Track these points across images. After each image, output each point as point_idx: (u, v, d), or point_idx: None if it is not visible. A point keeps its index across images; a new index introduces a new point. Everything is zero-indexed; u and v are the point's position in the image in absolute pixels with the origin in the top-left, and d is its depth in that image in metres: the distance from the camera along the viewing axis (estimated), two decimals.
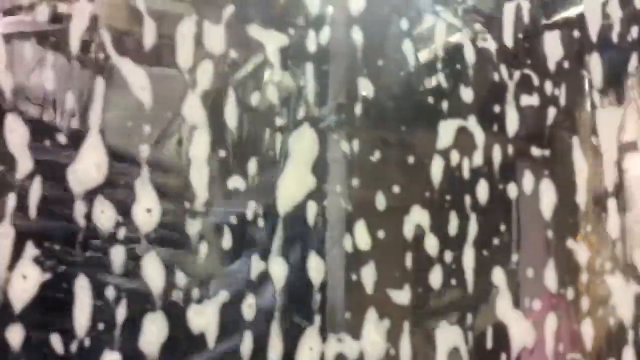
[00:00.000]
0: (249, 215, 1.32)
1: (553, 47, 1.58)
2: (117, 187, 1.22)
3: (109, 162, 1.19)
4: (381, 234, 1.41)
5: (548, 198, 1.52)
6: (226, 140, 1.30)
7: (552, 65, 1.57)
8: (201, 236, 1.26)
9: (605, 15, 1.59)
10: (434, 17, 1.50)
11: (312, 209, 1.36)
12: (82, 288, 1.19)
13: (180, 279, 1.26)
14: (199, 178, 1.27)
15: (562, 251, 1.54)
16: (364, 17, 1.41)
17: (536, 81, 1.57)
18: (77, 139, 1.19)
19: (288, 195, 1.33)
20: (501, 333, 1.46)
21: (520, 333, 1.47)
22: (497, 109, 1.52)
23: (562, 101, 1.58)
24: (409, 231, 1.43)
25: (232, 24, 1.31)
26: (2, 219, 1.14)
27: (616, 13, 1.62)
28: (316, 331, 1.33)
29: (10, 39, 1.14)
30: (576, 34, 1.59)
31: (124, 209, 1.21)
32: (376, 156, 1.45)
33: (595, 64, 1.60)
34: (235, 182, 1.31)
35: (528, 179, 1.52)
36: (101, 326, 1.20)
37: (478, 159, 1.49)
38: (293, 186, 1.34)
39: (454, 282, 1.45)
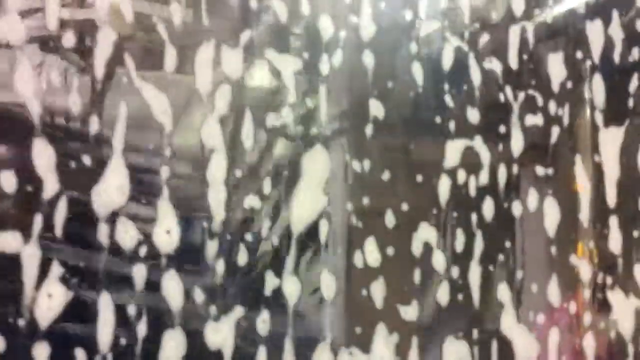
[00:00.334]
0: (264, 233, 1.36)
1: (556, 67, 1.63)
2: (139, 208, 1.26)
3: (131, 183, 1.24)
4: (390, 251, 1.45)
5: (551, 215, 1.57)
6: (243, 160, 1.34)
7: (555, 86, 1.63)
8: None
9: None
10: (441, 39, 1.54)
11: (324, 227, 1.40)
12: (105, 305, 1.23)
13: (198, 295, 1.30)
14: (216, 199, 1.31)
15: (564, 266, 1.60)
16: (374, 41, 1.46)
17: (540, 101, 1.62)
18: (100, 161, 1.23)
19: (301, 214, 1.38)
20: (506, 347, 1.51)
21: (525, 347, 1.52)
22: (502, 128, 1.57)
23: (565, 120, 1.63)
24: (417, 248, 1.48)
25: (249, 48, 1.35)
26: (29, 240, 1.19)
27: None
28: (327, 346, 1.38)
29: (40, 65, 1.19)
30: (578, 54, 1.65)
31: (146, 229, 1.26)
32: (385, 174, 1.49)
33: (597, 84, 1.65)
34: (251, 201, 1.35)
35: (532, 197, 1.57)
36: (123, 341, 1.24)
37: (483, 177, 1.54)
38: (306, 206, 1.38)
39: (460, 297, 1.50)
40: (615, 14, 1.68)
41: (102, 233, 1.23)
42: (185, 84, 1.31)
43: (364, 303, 1.43)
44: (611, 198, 1.66)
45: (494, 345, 1.51)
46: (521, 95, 1.59)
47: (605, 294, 1.63)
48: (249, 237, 1.33)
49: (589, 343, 1.59)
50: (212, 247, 1.30)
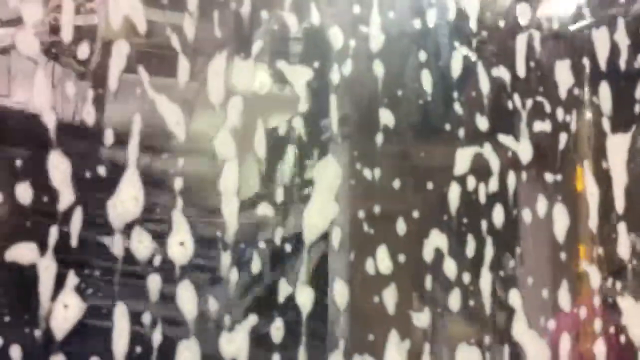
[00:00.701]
0: (277, 241, 1.37)
1: (563, 74, 1.64)
2: (153, 219, 1.27)
3: (146, 195, 1.25)
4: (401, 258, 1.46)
5: (561, 221, 1.58)
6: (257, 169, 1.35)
7: (562, 93, 1.64)
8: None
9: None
10: (450, 48, 1.55)
11: (336, 235, 1.41)
12: (121, 315, 1.24)
13: (212, 305, 1.30)
14: (229, 209, 1.32)
15: (574, 272, 1.61)
16: (384, 50, 1.47)
17: (548, 108, 1.63)
18: (115, 172, 1.24)
19: (313, 223, 1.39)
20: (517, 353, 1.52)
21: (536, 352, 1.53)
22: (510, 135, 1.58)
23: (573, 127, 1.64)
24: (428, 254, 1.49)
25: (261, 59, 1.37)
26: (45, 252, 1.19)
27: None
28: (341, 354, 1.39)
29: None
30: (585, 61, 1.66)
31: (160, 239, 1.27)
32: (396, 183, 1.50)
33: (604, 91, 1.66)
34: (264, 209, 1.36)
35: (541, 203, 1.58)
36: (138, 351, 1.25)
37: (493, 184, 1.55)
38: (318, 215, 1.39)
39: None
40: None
41: (117, 243, 1.24)
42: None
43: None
44: (619, 204, 1.67)
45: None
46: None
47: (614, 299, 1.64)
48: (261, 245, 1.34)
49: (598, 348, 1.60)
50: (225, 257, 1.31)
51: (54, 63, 1.26)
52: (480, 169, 1.54)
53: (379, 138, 1.47)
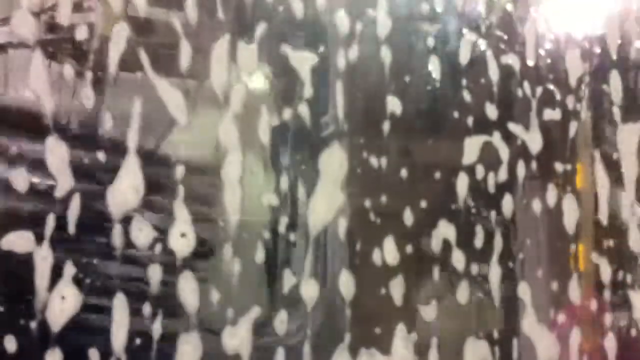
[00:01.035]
0: (281, 231, 1.33)
1: (574, 63, 1.60)
2: (153, 208, 1.23)
3: (146, 184, 1.21)
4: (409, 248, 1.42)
5: (571, 212, 1.54)
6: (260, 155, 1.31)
7: (573, 81, 1.60)
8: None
9: None
10: (459, 34, 1.51)
11: (342, 225, 1.37)
12: (120, 306, 1.20)
13: (214, 296, 1.27)
14: (232, 198, 1.28)
15: (585, 265, 1.57)
16: (391, 36, 1.43)
17: (558, 96, 1.59)
18: (115, 159, 1.20)
19: (318, 214, 1.35)
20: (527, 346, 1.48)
21: (545, 346, 1.49)
22: (520, 124, 1.54)
23: (584, 116, 1.60)
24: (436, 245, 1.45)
25: (265, 43, 1.32)
26: (41, 241, 1.15)
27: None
28: (346, 347, 1.35)
29: (52, 58, 1.16)
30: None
31: (161, 228, 1.23)
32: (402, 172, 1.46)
33: (615, 80, 1.63)
34: (269, 198, 1.32)
35: (551, 194, 1.54)
36: (138, 343, 1.21)
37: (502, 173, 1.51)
38: (323, 205, 1.35)
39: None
40: None
41: (117, 233, 1.20)
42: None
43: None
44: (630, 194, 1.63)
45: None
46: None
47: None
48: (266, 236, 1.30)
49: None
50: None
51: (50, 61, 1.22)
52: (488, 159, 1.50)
53: (386, 126, 1.43)
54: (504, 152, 1.51)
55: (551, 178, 1.56)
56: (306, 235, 1.34)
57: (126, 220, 1.20)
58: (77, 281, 1.18)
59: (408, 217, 1.41)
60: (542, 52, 1.58)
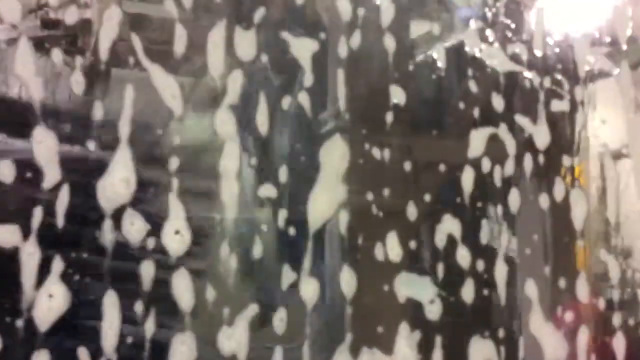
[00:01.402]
0: (280, 224, 1.27)
1: (582, 53, 1.55)
2: (146, 201, 1.17)
3: (138, 176, 1.15)
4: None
5: (579, 208, 1.49)
6: (257, 147, 1.26)
7: (581, 72, 1.55)
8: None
9: None
10: (464, 24, 1.46)
11: (343, 219, 1.32)
12: (111, 304, 1.15)
13: (210, 294, 1.21)
14: (229, 190, 1.22)
15: (593, 261, 1.52)
16: (394, 23, 1.37)
17: (566, 87, 1.54)
18: (106, 150, 1.15)
19: (319, 208, 1.29)
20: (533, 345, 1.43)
21: (552, 345, 1.44)
22: (527, 116, 1.49)
23: (592, 109, 1.55)
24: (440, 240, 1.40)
25: (263, 30, 1.27)
26: (28, 237, 1.10)
27: None
28: (347, 346, 1.30)
29: (41, 45, 1.10)
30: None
31: (154, 222, 1.17)
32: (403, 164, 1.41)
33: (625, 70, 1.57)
34: (267, 191, 1.27)
35: (559, 188, 1.49)
36: (129, 342, 1.16)
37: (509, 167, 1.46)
38: (324, 198, 1.30)
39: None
40: None
41: (107, 227, 1.14)
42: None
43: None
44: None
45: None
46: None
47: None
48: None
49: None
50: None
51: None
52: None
53: (389, 117, 1.38)
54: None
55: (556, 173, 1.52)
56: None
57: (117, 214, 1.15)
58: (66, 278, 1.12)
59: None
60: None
